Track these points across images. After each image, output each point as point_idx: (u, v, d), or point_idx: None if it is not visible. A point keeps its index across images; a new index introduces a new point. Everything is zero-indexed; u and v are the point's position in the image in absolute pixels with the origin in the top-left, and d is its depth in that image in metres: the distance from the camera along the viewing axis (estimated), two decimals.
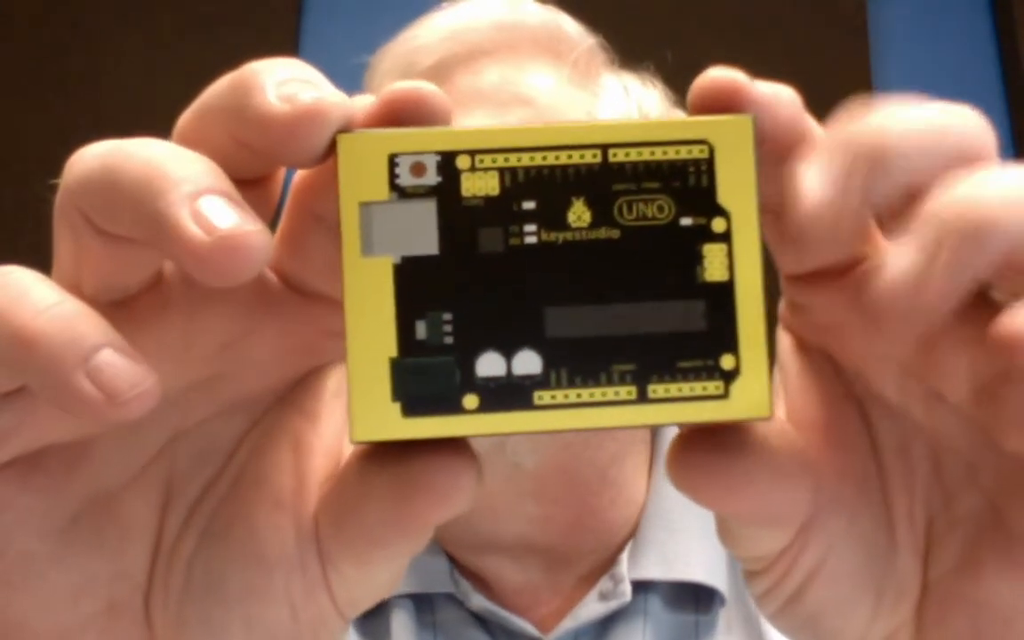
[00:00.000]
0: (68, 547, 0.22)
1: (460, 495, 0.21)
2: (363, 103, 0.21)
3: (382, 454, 0.21)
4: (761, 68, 0.21)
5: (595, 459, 0.55)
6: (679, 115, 0.57)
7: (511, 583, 0.55)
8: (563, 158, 0.20)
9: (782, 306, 0.25)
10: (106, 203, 0.20)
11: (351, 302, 0.20)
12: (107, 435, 0.22)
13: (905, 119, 0.20)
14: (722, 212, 0.20)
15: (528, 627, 0.53)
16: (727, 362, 0.20)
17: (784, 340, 0.25)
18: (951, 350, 0.22)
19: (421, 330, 0.20)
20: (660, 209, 0.21)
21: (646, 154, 0.21)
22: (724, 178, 0.20)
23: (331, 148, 0.20)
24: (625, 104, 0.56)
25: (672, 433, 0.22)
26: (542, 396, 0.20)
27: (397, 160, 0.20)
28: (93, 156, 0.20)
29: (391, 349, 0.20)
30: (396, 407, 0.20)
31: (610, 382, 0.20)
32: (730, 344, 0.20)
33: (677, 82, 0.55)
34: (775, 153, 0.21)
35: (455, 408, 0.20)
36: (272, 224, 0.21)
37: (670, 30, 1.23)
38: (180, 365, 0.22)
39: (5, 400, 0.20)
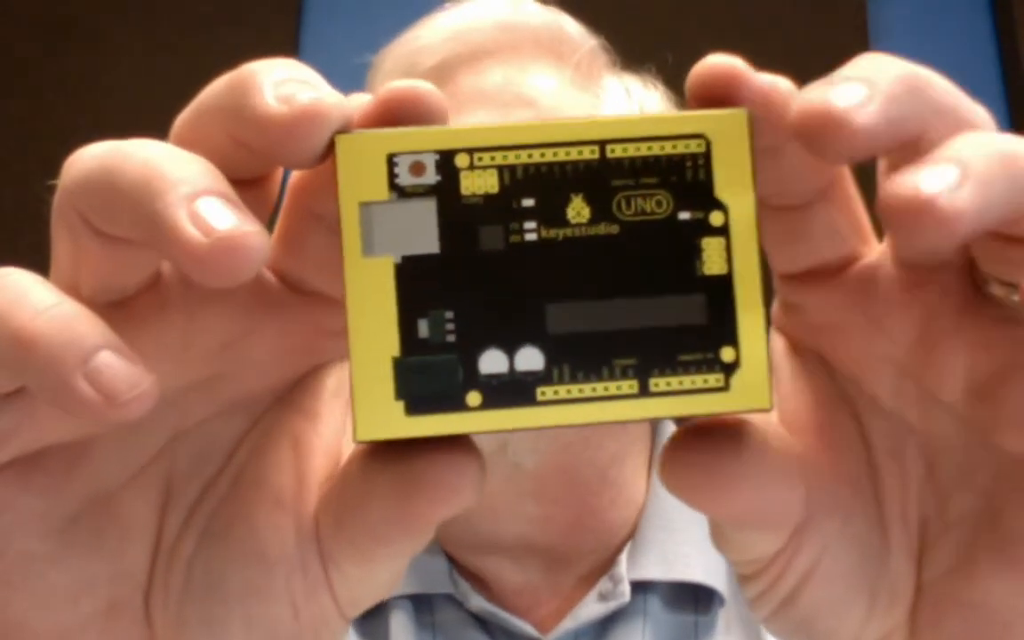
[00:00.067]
0: (68, 547, 0.22)
1: (464, 492, 0.21)
2: (360, 102, 0.21)
3: (384, 452, 0.21)
4: (761, 68, 0.21)
5: (595, 459, 0.55)
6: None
7: (510, 584, 0.55)
8: (561, 155, 0.21)
9: (775, 308, 0.25)
10: (104, 204, 0.20)
11: (353, 302, 0.20)
12: (107, 436, 0.22)
13: (933, 73, 0.20)
14: (720, 206, 0.21)
15: (527, 628, 0.53)
16: (727, 354, 0.21)
17: (777, 342, 0.25)
18: (948, 348, 0.22)
19: (423, 329, 0.20)
20: (658, 204, 0.21)
21: (643, 149, 0.21)
22: (721, 172, 0.21)
23: (329, 149, 0.20)
24: (627, 106, 0.56)
25: (670, 432, 0.22)
26: (545, 392, 0.20)
27: (396, 160, 0.20)
28: (91, 157, 0.20)
29: (394, 348, 0.20)
30: (399, 406, 0.20)
31: (612, 377, 0.20)
32: (730, 336, 0.21)
33: (678, 83, 0.55)
34: (773, 143, 0.21)
35: (458, 406, 0.20)
36: (270, 224, 0.21)
37: (670, 31, 1.23)
38: (179, 365, 0.22)
39: (5, 401, 0.20)
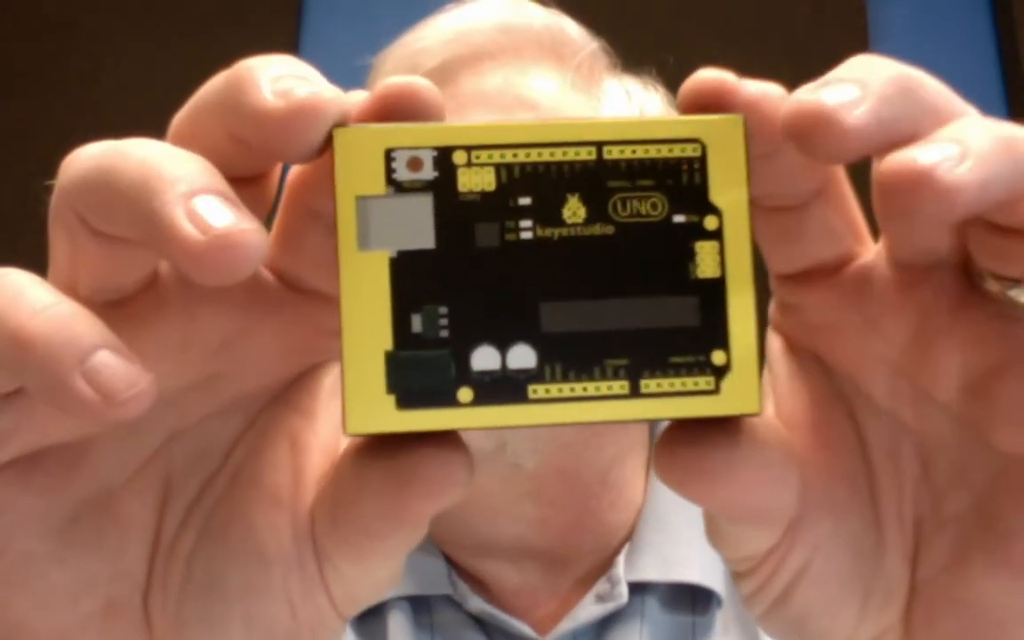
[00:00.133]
0: (67, 547, 0.22)
1: (453, 488, 0.21)
2: (358, 98, 0.21)
3: (376, 448, 0.21)
4: (761, 68, 0.21)
5: (594, 461, 0.55)
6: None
7: (509, 585, 0.55)
8: (559, 155, 0.21)
9: (772, 308, 0.25)
10: (101, 203, 0.20)
11: (347, 295, 0.20)
12: (105, 436, 0.22)
13: (925, 73, 0.20)
14: (714, 210, 0.21)
15: (525, 629, 0.53)
16: (718, 358, 0.21)
17: (774, 342, 0.25)
18: (942, 347, 0.22)
19: (417, 323, 0.20)
20: (654, 206, 0.21)
21: (640, 152, 0.21)
22: (716, 176, 0.21)
23: (326, 143, 0.20)
24: (627, 108, 0.56)
25: None
26: (536, 390, 0.20)
27: (394, 155, 0.20)
28: (88, 157, 0.20)
29: (386, 342, 0.20)
30: (391, 400, 0.20)
31: (603, 376, 0.21)
32: (721, 340, 0.21)
33: (678, 85, 0.55)
34: (766, 149, 0.21)
35: (450, 401, 0.20)
36: (267, 222, 0.21)
37: (670, 31, 1.23)
38: (177, 365, 0.22)
39: (4, 401, 0.20)
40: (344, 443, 0.23)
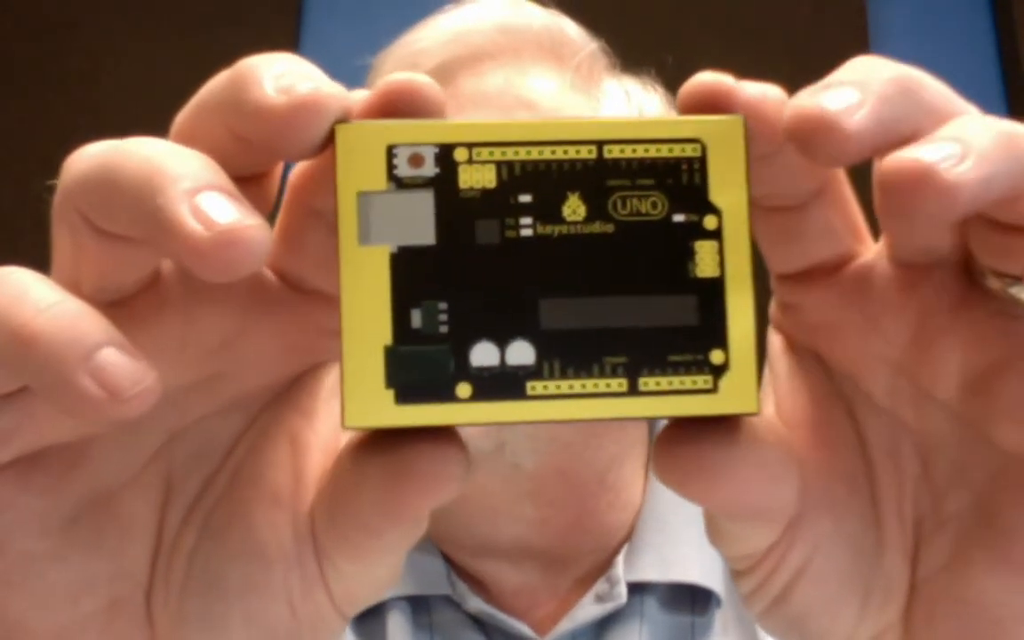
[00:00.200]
0: (68, 546, 0.22)
1: (449, 483, 0.21)
2: (360, 96, 0.21)
3: (374, 444, 0.21)
4: (761, 68, 0.22)
5: (593, 462, 0.55)
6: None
7: (508, 585, 0.55)
8: (559, 153, 0.21)
9: (772, 306, 0.25)
10: (104, 202, 0.20)
11: (347, 290, 0.20)
12: (106, 435, 0.22)
13: (924, 73, 0.20)
14: (714, 210, 0.21)
15: (525, 629, 0.53)
16: (716, 357, 0.21)
17: (774, 340, 0.25)
18: (943, 346, 0.22)
19: (416, 319, 0.20)
20: (654, 205, 0.21)
21: (640, 151, 0.21)
22: (716, 176, 0.21)
23: (328, 140, 0.20)
24: (626, 108, 0.56)
25: None
26: (535, 386, 0.20)
27: (395, 151, 0.21)
28: (90, 156, 0.20)
29: (386, 337, 0.20)
30: (389, 394, 0.20)
31: (602, 374, 0.21)
32: (720, 339, 0.21)
33: (678, 85, 0.55)
34: (764, 150, 0.21)
35: (448, 396, 0.20)
36: (269, 222, 0.21)
37: (670, 31, 1.23)
38: (177, 364, 0.22)
39: (5, 401, 0.20)
40: (343, 440, 0.23)
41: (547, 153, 0.21)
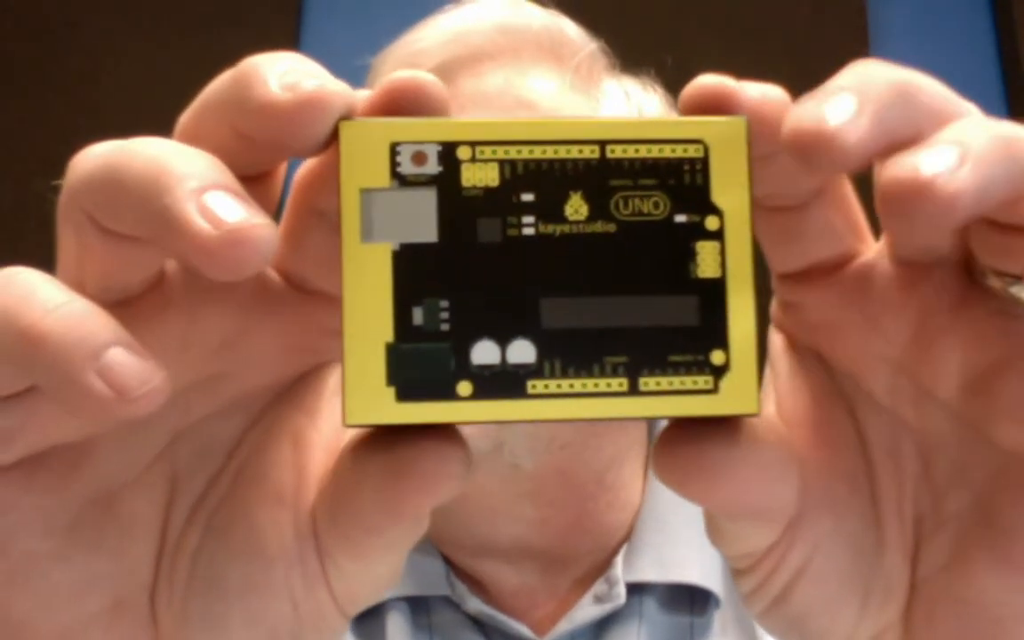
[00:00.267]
0: (72, 546, 0.22)
1: (448, 481, 0.21)
2: (363, 95, 0.21)
3: (375, 441, 0.22)
4: (761, 69, 0.22)
5: (592, 462, 0.55)
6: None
7: (507, 586, 0.55)
8: (562, 152, 0.21)
9: (774, 305, 0.25)
10: (110, 201, 0.20)
11: (349, 287, 0.20)
12: (110, 436, 0.22)
13: (922, 75, 0.20)
14: (716, 210, 0.21)
15: (524, 630, 0.53)
16: (717, 358, 0.21)
17: (775, 339, 0.25)
18: (943, 345, 0.22)
19: (418, 316, 0.20)
20: (656, 205, 0.21)
21: (643, 151, 0.21)
22: (718, 177, 0.21)
23: (332, 138, 0.20)
24: (626, 109, 0.56)
25: None
26: (535, 385, 0.21)
27: (399, 149, 0.21)
28: (96, 155, 0.20)
29: (387, 334, 0.20)
30: (390, 392, 0.20)
31: (602, 373, 0.21)
32: (721, 340, 0.21)
33: (677, 85, 0.55)
34: (766, 151, 0.21)
35: (449, 394, 0.20)
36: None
37: (670, 32, 1.23)
38: (181, 364, 0.22)
39: (11, 401, 0.20)
40: (345, 439, 0.23)
41: (550, 152, 0.21)
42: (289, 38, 1.35)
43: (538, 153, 0.21)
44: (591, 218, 0.21)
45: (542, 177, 0.21)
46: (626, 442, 0.57)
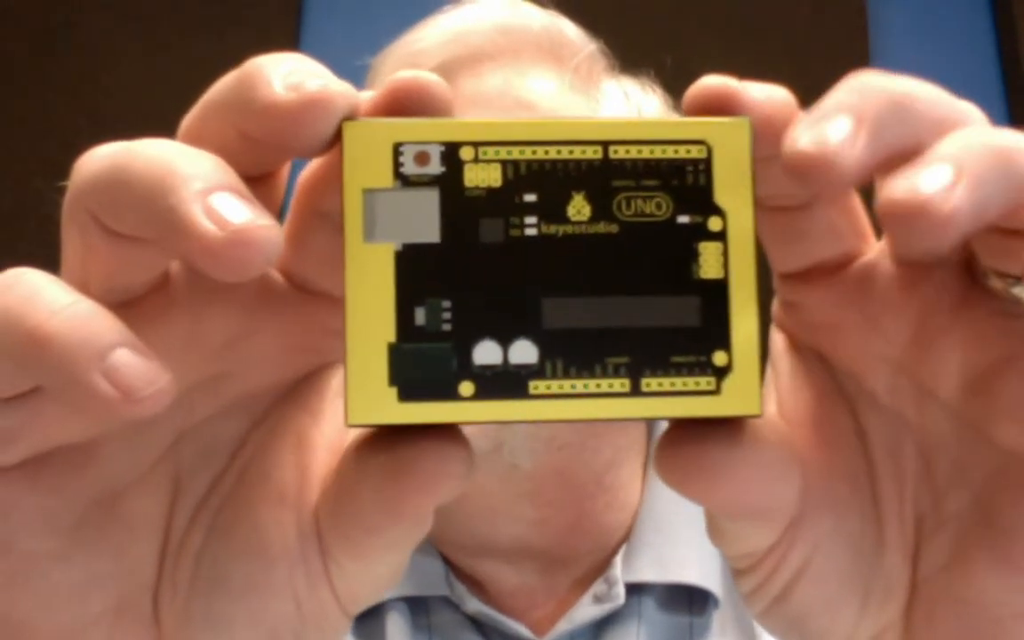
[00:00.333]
0: (75, 547, 0.22)
1: (449, 481, 0.21)
2: (367, 95, 0.21)
3: (377, 441, 0.22)
4: (761, 69, 0.22)
5: (591, 463, 0.55)
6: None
7: (506, 586, 0.55)
8: (565, 153, 0.21)
9: (775, 305, 0.25)
10: (115, 202, 0.20)
11: (352, 287, 0.20)
12: (114, 436, 0.22)
13: (919, 83, 0.20)
14: (718, 211, 0.21)
15: (523, 630, 0.53)
16: (719, 359, 0.21)
17: (777, 339, 0.25)
18: (944, 346, 0.22)
19: (420, 316, 0.20)
20: (658, 206, 0.21)
21: (646, 152, 0.21)
22: (721, 178, 0.21)
23: (336, 138, 0.21)
24: (625, 109, 0.57)
25: None
26: (537, 386, 0.21)
27: (402, 149, 0.21)
28: (101, 157, 0.20)
29: (389, 334, 0.20)
30: (392, 392, 0.20)
31: (604, 374, 0.21)
32: (723, 341, 0.21)
33: (676, 85, 0.55)
34: (769, 152, 0.21)
35: (451, 395, 0.20)
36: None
37: (670, 32, 1.23)
38: (185, 364, 0.22)
39: (15, 401, 0.20)
40: (348, 439, 0.23)
41: (552, 153, 0.21)
42: (289, 38, 1.35)
43: (541, 154, 0.21)
44: (594, 219, 0.21)
45: (545, 178, 0.21)
46: (625, 443, 0.57)
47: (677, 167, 0.21)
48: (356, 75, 0.58)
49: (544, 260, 0.21)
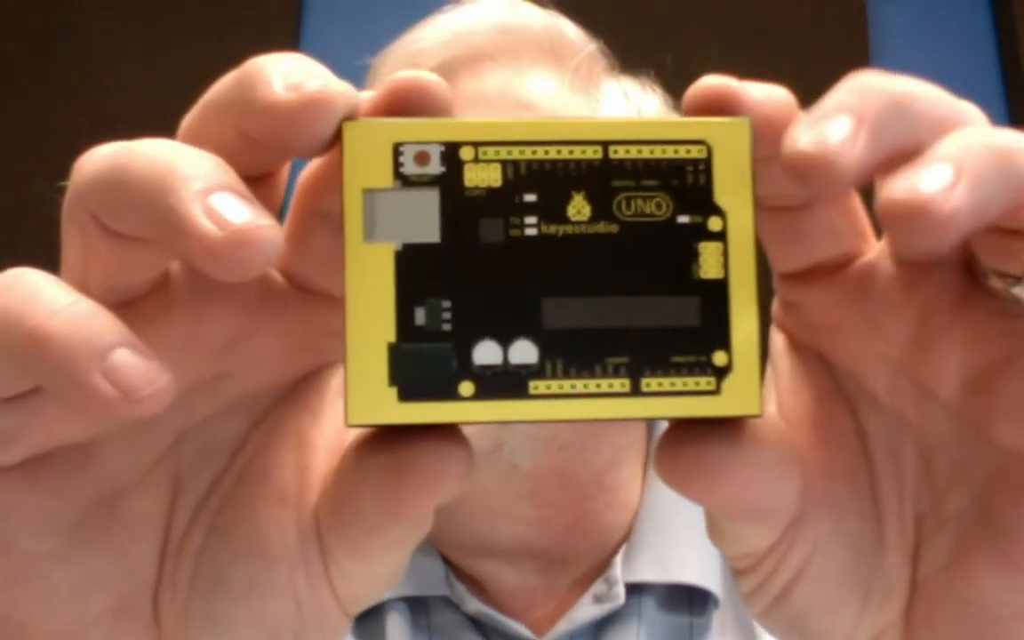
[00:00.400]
0: (75, 547, 0.22)
1: (449, 481, 0.21)
2: (367, 95, 0.21)
3: (376, 443, 0.22)
4: (761, 69, 0.22)
5: (591, 463, 0.55)
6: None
7: (506, 586, 0.55)
8: (565, 153, 0.21)
9: (775, 305, 0.25)
10: (115, 202, 0.20)
11: (352, 287, 0.20)
12: (114, 436, 0.22)
13: (919, 83, 0.20)
14: (718, 211, 0.21)
15: (523, 630, 0.53)
16: (719, 359, 0.21)
17: (777, 339, 0.25)
18: (943, 346, 0.22)
19: (420, 316, 0.20)
20: (658, 206, 0.21)
21: (646, 152, 0.21)
22: (721, 178, 0.21)
23: (336, 138, 0.21)
24: (625, 109, 0.57)
25: None
26: (537, 386, 0.21)
27: (402, 149, 0.21)
28: (102, 157, 0.20)
29: (389, 334, 0.20)
30: (392, 392, 0.20)
31: (604, 374, 0.21)
32: (723, 341, 0.21)
33: (676, 85, 0.55)
34: (769, 152, 0.21)
35: (451, 394, 0.20)
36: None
37: (670, 32, 1.23)
38: (185, 364, 0.22)
39: (15, 401, 0.20)
40: (348, 440, 0.23)
41: (553, 153, 0.21)
42: (289, 38, 1.35)
43: (541, 154, 0.21)
44: (593, 219, 0.21)
45: (545, 178, 0.21)
46: (625, 443, 0.57)
47: (677, 167, 0.21)
48: (356, 75, 0.58)
49: (544, 260, 0.21)
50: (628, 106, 0.57)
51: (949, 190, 0.18)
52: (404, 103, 0.21)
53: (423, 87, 0.21)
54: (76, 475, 0.22)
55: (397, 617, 0.53)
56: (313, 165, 0.22)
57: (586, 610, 0.53)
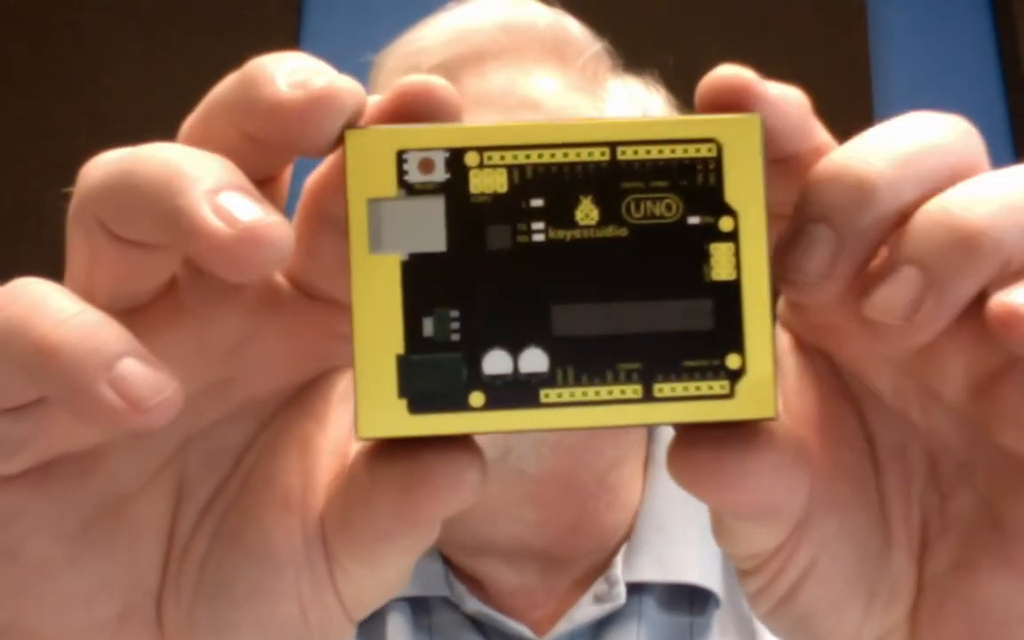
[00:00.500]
0: (81, 552, 0.22)
1: (464, 490, 0.21)
2: (374, 99, 0.21)
3: (388, 451, 0.21)
4: (761, 68, 0.21)
5: (594, 464, 0.55)
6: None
7: (507, 586, 0.55)
8: (572, 156, 0.20)
9: (781, 304, 0.25)
10: (122, 207, 0.20)
11: (359, 299, 0.20)
12: (120, 442, 0.22)
13: (885, 145, 0.20)
14: (730, 211, 0.20)
15: (523, 630, 0.53)
16: (733, 361, 0.20)
17: (783, 338, 0.25)
18: (948, 349, 0.22)
19: (428, 327, 0.20)
20: (668, 207, 0.21)
21: (654, 152, 0.21)
22: (732, 177, 0.20)
23: (341, 138, 0.20)
24: (630, 109, 0.56)
25: (668, 434, 0.22)
26: (548, 394, 0.20)
27: (405, 156, 0.20)
28: (107, 163, 0.20)
29: (398, 346, 0.20)
30: (402, 404, 0.20)
31: (616, 380, 0.20)
32: (736, 343, 0.20)
33: (679, 85, 0.55)
34: (782, 153, 0.21)
35: (461, 405, 0.20)
36: None
37: (671, 32, 1.23)
38: (191, 370, 0.22)
39: (23, 410, 0.20)
40: (354, 445, 0.23)
41: (559, 156, 0.20)
42: (289, 38, 1.35)
43: (547, 157, 0.20)
44: (602, 222, 0.20)
45: (552, 181, 0.20)
46: (627, 443, 0.57)
47: (687, 167, 0.20)
48: (357, 75, 0.58)
49: (553, 266, 0.20)
50: (633, 105, 0.57)
51: (911, 323, 0.20)
52: (411, 107, 0.21)
53: (430, 91, 0.21)
54: (82, 482, 0.22)
55: (398, 617, 0.53)
56: (320, 169, 0.22)
57: (586, 610, 0.53)
